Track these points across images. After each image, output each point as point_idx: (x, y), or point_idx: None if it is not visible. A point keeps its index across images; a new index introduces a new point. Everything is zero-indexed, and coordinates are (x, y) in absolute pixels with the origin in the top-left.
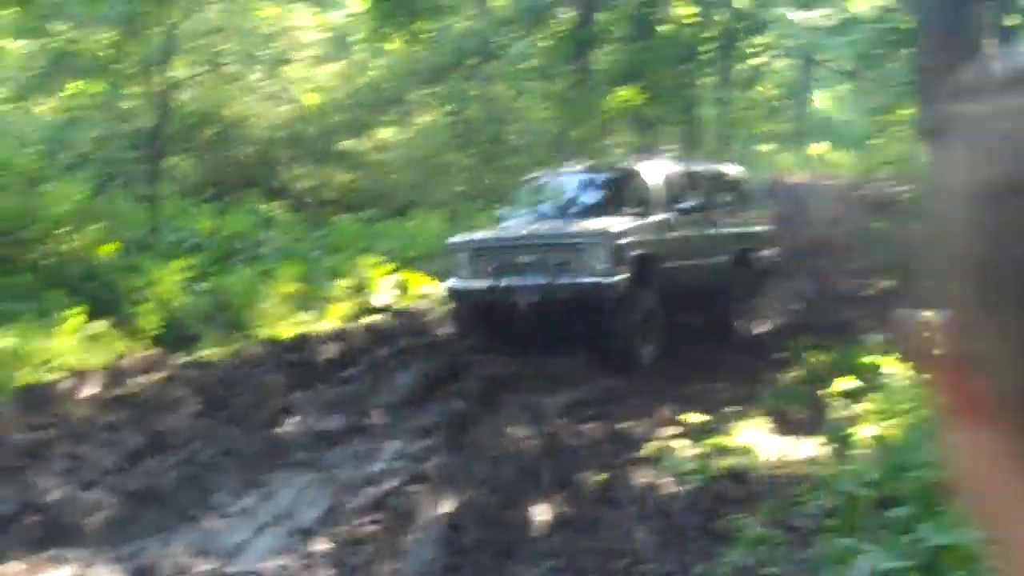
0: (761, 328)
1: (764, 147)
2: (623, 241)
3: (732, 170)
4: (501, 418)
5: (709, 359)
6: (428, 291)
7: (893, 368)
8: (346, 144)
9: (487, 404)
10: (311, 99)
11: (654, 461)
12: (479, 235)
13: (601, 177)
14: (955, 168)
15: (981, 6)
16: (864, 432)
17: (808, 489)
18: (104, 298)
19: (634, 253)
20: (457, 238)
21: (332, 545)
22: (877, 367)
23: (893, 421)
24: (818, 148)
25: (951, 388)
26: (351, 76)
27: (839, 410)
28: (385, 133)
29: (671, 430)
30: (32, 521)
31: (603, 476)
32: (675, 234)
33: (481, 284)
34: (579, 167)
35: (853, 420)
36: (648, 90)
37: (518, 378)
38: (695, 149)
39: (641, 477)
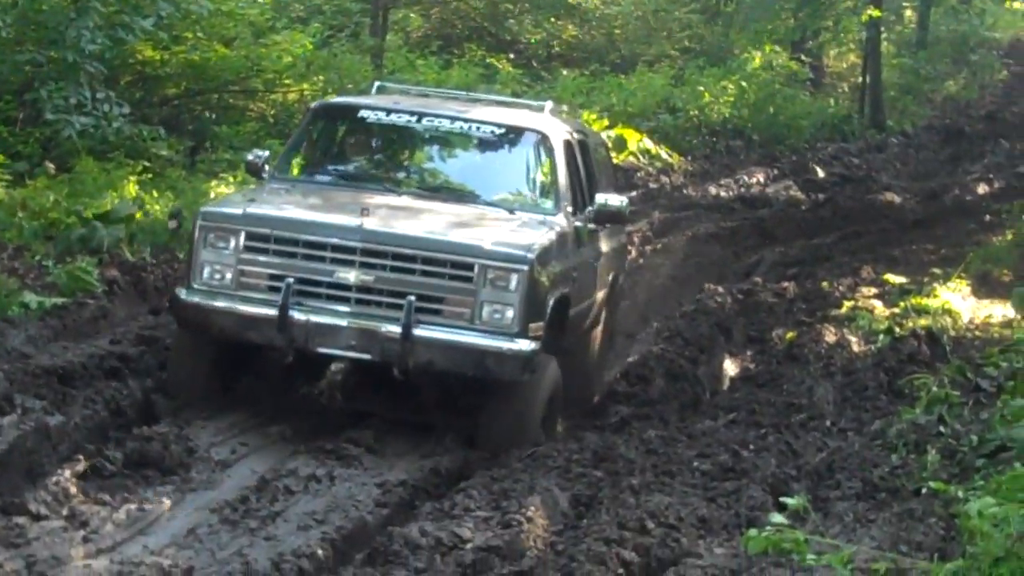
0: (979, 190)
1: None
2: (544, 269)
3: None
4: (701, 272)
5: (919, 219)
6: (642, 148)
7: None
8: None
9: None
10: None
11: (847, 320)
12: (262, 207)
13: (479, 130)
14: None
15: None
16: None
17: (998, 351)
18: None
19: (554, 292)
20: (217, 205)
21: None
22: None
23: None
24: None
25: None
26: None
27: None
28: None
29: (870, 290)
30: None
31: (793, 333)
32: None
33: (251, 308)
34: (436, 103)
35: None
36: None
37: (726, 235)
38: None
39: (831, 335)
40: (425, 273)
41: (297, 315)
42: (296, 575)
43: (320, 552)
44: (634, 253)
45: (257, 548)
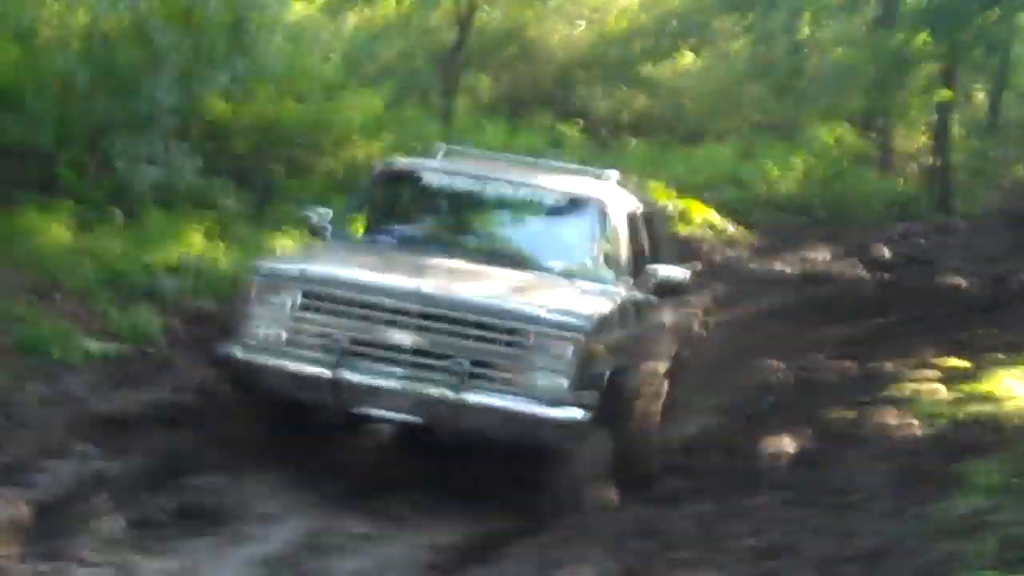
0: None
1: None
2: (600, 338)
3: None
4: (761, 348)
5: (984, 305)
6: (707, 220)
7: None
8: (645, 70)
9: (752, 329)
10: (614, 23)
11: (906, 402)
12: (319, 265)
13: (541, 197)
14: None
15: None
16: None
17: None
18: None
19: (610, 362)
20: (273, 261)
21: None
22: None
23: None
24: None
25: None
26: (656, 1)
27: None
28: (685, 60)
29: (932, 372)
30: None
31: (850, 414)
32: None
33: (303, 367)
34: (502, 168)
35: None
36: (951, 32)
37: (788, 312)
38: (1003, 93)
39: (890, 417)
40: (479, 338)
41: (348, 376)
42: None
43: None
44: (695, 326)
45: None
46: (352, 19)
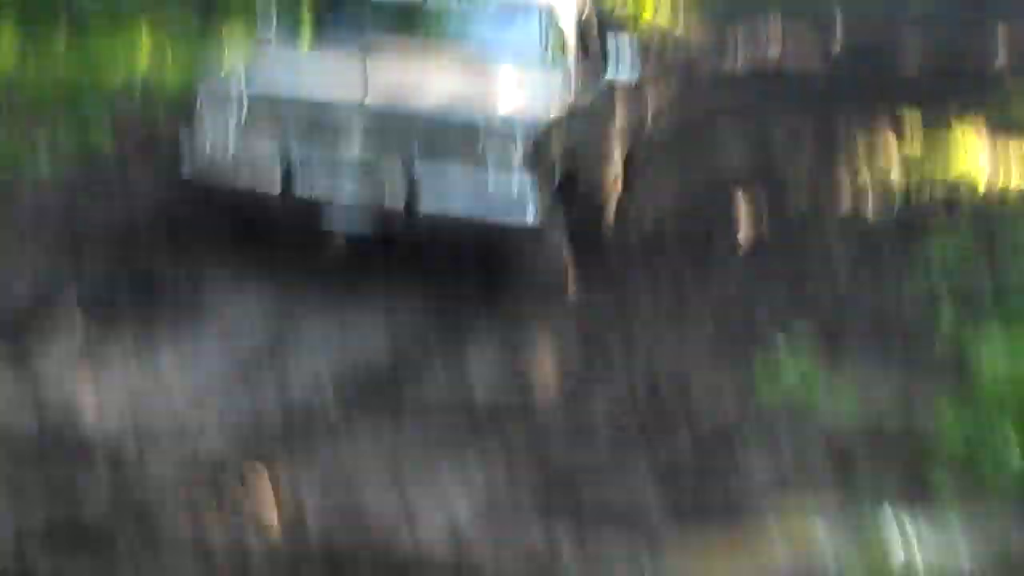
0: (993, 62)
1: None
2: (555, 139)
3: None
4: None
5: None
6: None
7: None
8: None
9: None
10: None
11: (864, 184)
12: (265, 79)
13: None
14: None
15: None
16: None
17: (1016, 216)
18: None
19: (564, 162)
20: (220, 77)
21: None
22: None
23: None
24: None
25: None
26: None
27: None
28: None
29: (890, 154)
30: None
31: (808, 199)
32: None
33: (253, 184)
34: None
35: None
36: None
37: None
38: None
39: (847, 201)
40: (430, 145)
41: (299, 190)
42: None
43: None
44: (650, 122)
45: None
46: None
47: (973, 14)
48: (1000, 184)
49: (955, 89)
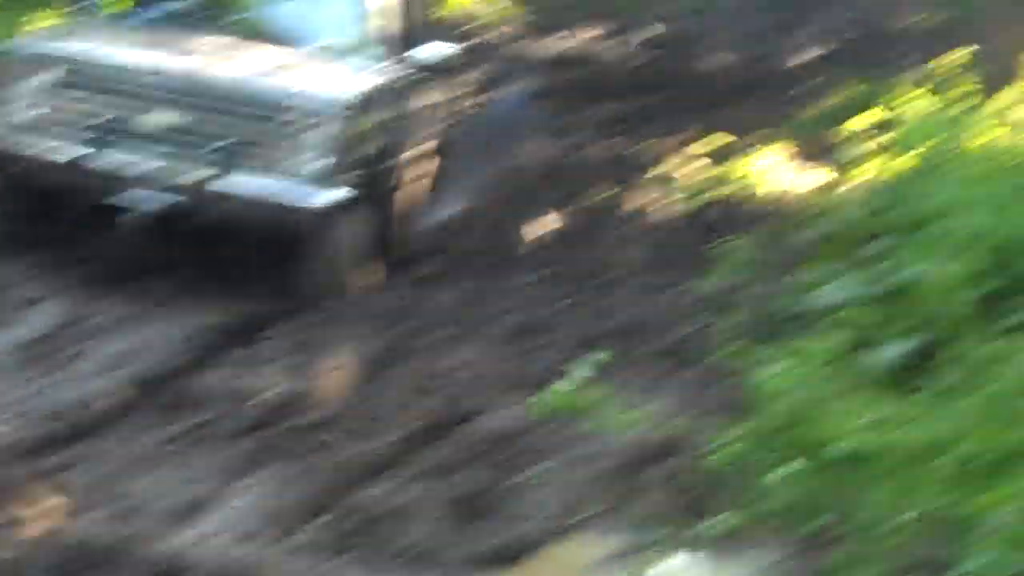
0: (806, 57)
1: None
2: (362, 116)
3: None
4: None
5: (743, 84)
6: None
7: (919, 102)
8: None
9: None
10: None
11: (665, 181)
12: (76, 44)
13: None
14: None
15: None
16: (875, 164)
17: (808, 218)
18: None
19: (372, 141)
20: (33, 40)
21: None
22: (905, 100)
23: (906, 154)
24: None
25: None
26: None
27: (858, 141)
28: None
29: (690, 151)
30: None
31: (609, 194)
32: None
33: (58, 150)
34: None
35: (867, 152)
36: None
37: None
38: None
39: (646, 198)
40: (241, 119)
41: (108, 159)
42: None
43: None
44: (461, 107)
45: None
46: None
47: (784, 13)
48: (795, 192)
49: (760, 88)
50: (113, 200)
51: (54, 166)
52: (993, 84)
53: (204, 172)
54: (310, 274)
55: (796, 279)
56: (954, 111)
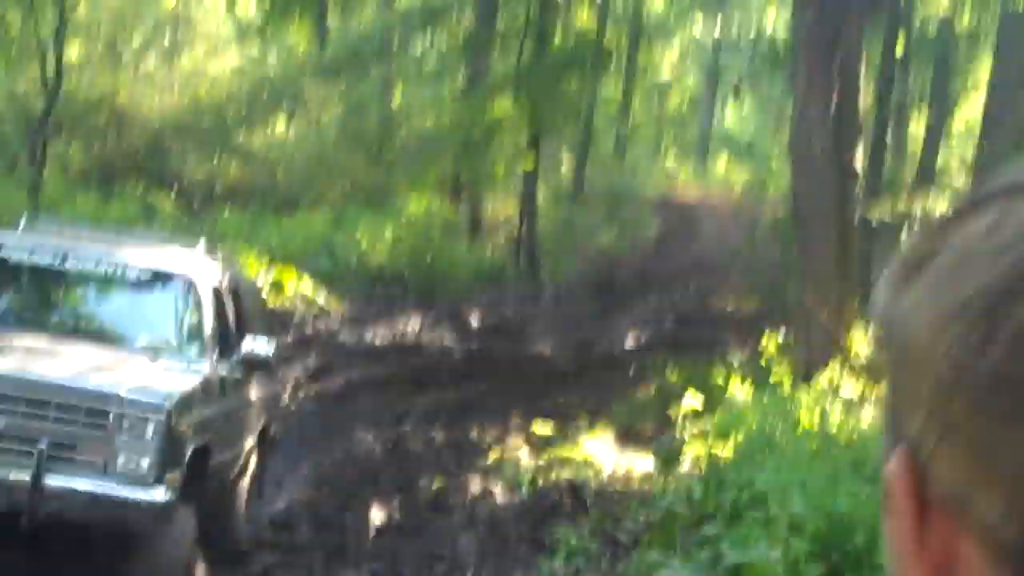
0: (627, 343)
1: (664, 162)
2: (184, 417)
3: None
4: (352, 419)
5: (571, 371)
6: (300, 291)
7: (738, 388)
8: (239, 138)
9: (343, 401)
10: (206, 90)
11: (494, 470)
12: None
13: (125, 273)
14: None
15: (858, 29)
16: (697, 450)
17: (637, 503)
18: None
19: (195, 440)
20: None
21: None
22: (724, 386)
23: (727, 440)
24: (720, 163)
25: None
26: (248, 69)
27: (681, 427)
28: (278, 128)
29: (518, 440)
30: None
31: (440, 483)
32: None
33: None
34: (85, 241)
35: (690, 438)
36: (537, 99)
37: (379, 382)
38: (587, 163)
39: (477, 485)
40: (59, 419)
41: None
42: None
43: None
44: (286, 400)
45: None
46: None
47: (602, 305)
48: (622, 476)
49: (584, 373)
50: None
51: None
52: (811, 366)
53: (23, 474)
54: (144, 570)
55: (626, 568)
56: (771, 396)
